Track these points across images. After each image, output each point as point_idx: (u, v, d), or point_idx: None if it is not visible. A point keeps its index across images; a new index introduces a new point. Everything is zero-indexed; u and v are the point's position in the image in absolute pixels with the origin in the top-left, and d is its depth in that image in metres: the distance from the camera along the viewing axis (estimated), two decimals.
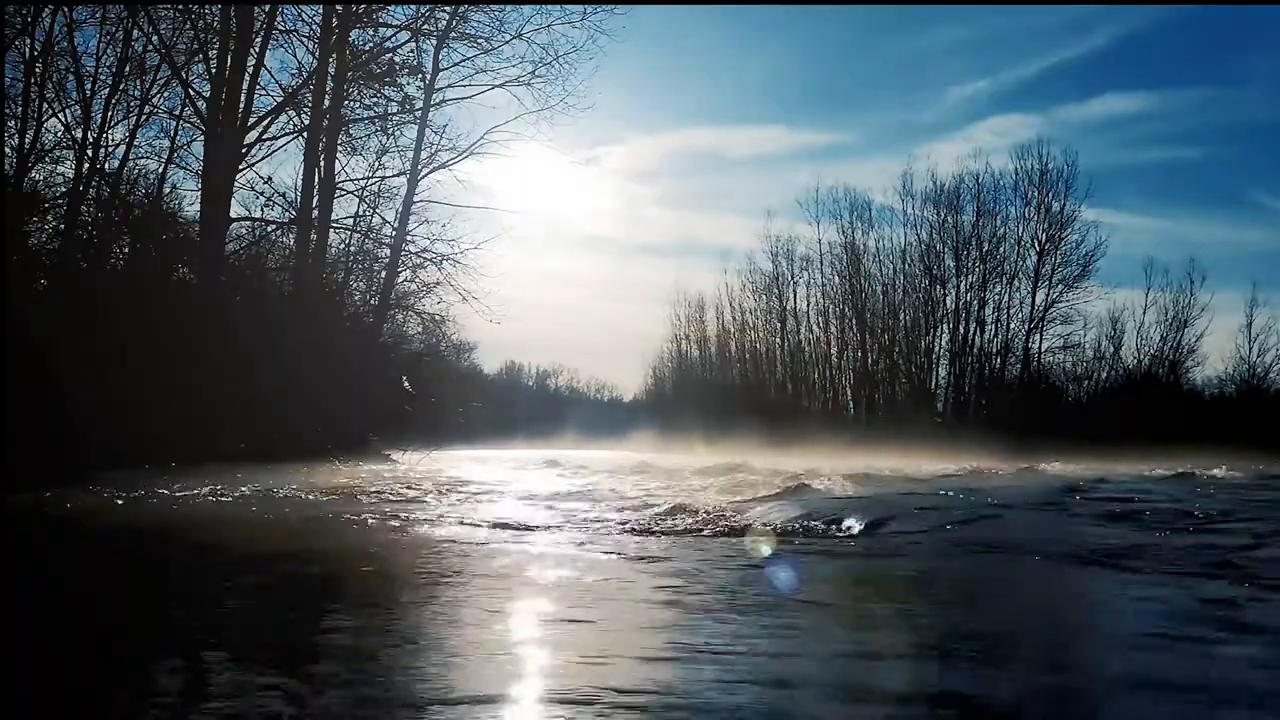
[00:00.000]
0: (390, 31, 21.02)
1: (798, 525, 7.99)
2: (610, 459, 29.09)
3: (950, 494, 11.34)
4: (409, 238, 21.46)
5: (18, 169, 16.04)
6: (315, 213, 19.92)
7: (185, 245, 18.17)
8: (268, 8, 18.78)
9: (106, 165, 17.43)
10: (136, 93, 17.99)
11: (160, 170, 18.78)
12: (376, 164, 21.60)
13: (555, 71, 20.59)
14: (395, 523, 8.17)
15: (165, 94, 18.59)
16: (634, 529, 7.79)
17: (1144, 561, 5.99)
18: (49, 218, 16.78)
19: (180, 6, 17.91)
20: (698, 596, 4.88)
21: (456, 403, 25.89)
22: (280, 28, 19.39)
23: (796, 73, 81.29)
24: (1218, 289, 54.35)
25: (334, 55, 19.76)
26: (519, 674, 3.31)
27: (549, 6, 20.43)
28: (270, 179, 19.79)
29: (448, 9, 20.67)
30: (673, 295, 63.24)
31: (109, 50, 17.52)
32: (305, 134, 19.82)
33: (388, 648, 3.73)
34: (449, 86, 21.47)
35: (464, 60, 21.29)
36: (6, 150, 15.67)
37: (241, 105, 18.22)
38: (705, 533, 7.62)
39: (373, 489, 11.96)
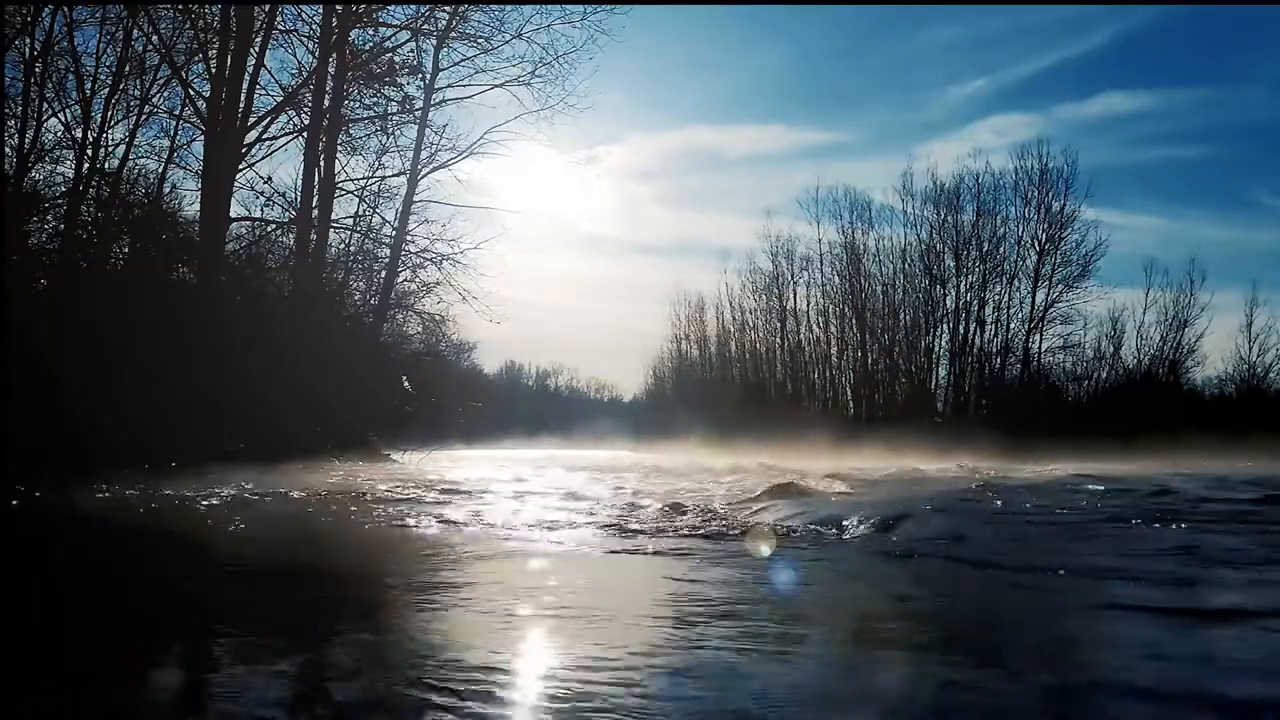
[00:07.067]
0: (390, 31, 21.08)
1: (797, 525, 7.99)
2: (610, 459, 29.10)
3: (950, 494, 11.34)
4: (409, 237, 21.53)
5: (18, 169, 16.05)
6: (315, 212, 19.94)
7: (185, 245, 18.18)
8: (268, 8, 18.81)
9: (106, 165, 17.50)
10: (136, 92, 18.06)
11: (160, 170, 18.87)
12: (376, 164, 21.67)
13: (555, 71, 20.69)
14: (394, 523, 8.17)
15: (165, 94, 18.68)
16: (632, 529, 7.79)
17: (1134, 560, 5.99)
18: (49, 218, 16.82)
19: (180, 6, 17.93)
20: (695, 598, 4.88)
21: (456, 403, 25.93)
22: (280, 27, 19.45)
23: (796, 72, 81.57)
24: (1218, 289, 54.63)
25: (334, 55, 19.78)
26: (516, 678, 3.31)
27: (549, 6, 20.51)
28: (270, 179, 19.86)
29: (448, 9, 20.73)
30: (673, 295, 63.53)
31: (109, 50, 17.60)
32: (305, 134, 19.86)
33: (386, 649, 3.73)
34: (449, 86, 21.56)
35: (464, 60, 21.38)
36: (6, 150, 15.71)
37: (241, 105, 18.24)
38: (704, 533, 7.62)
39: (372, 489, 11.96)
